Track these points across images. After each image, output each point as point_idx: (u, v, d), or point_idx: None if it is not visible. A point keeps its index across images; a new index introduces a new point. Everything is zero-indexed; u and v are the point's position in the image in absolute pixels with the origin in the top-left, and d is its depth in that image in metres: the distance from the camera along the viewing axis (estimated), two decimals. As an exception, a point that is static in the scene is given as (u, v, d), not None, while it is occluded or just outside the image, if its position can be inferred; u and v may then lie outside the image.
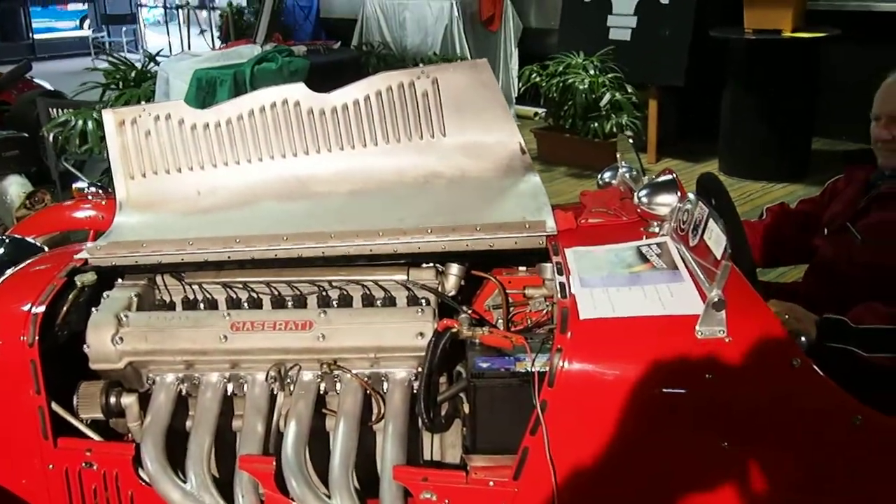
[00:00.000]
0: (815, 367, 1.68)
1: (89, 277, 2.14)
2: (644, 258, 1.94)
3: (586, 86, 6.65)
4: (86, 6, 20.14)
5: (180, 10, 14.30)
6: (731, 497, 1.70)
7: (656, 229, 2.08)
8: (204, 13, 14.10)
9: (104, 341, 1.98)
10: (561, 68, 6.94)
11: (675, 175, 2.17)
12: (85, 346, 1.99)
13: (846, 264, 2.38)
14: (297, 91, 2.34)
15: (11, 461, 2.02)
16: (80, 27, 20.76)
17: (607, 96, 6.61)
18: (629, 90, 6.74)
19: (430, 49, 8.64)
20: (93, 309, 2.05)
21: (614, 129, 6.59)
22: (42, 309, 2.01)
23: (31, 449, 1.99)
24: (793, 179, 6.23)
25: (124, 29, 17.04)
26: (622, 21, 7.14)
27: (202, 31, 13.49)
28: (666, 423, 1.69)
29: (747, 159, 6.50)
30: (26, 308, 2.02)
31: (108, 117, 2.38)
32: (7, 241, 2.62)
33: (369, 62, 7.79)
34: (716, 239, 1.76)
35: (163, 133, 2.35)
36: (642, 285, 1.83)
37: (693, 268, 1.84)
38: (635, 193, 2.16)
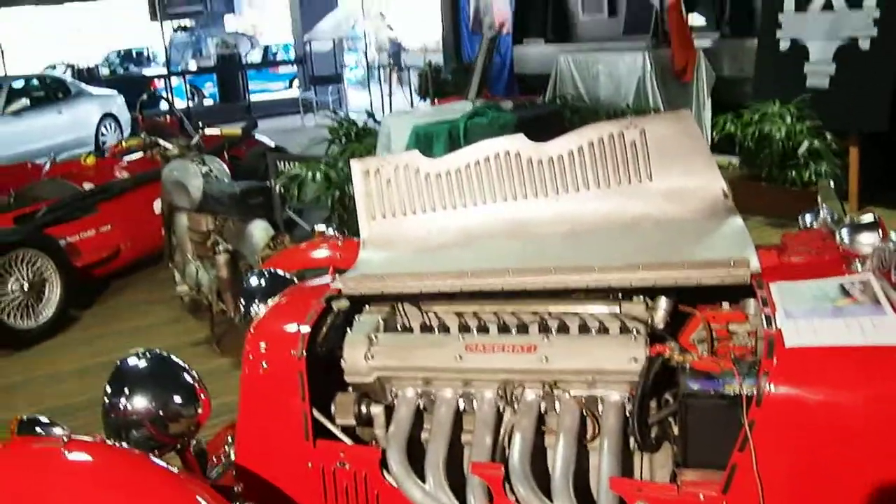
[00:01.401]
0: None
1: (344, 304, 2.49)
2: (847, 293, 2.07)
3: (783, 134, 6.64)
4: (295, 68, 21.63)
5: (381, 70, 15.17)
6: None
7: (859, 267, 2.20)
8: (394, 74, 14.90)
9: (358, 357, 2.31)
10: (756, 117, 6.97)
11: (876, 215, 2.28)
12: (342, 360, 2.33)
13: None
14: (518, 142, 2.62)
15: (278, 459, 2.37)
16: (290, 87, 22.29)
17: (805, 144, 6.58)
18: (828, 137, 6.67)
19: (623, 101, 8.83)
20: (348, 329, 2.39)
21: (813, 178, 6.54)
22: (308, 329, 2.37)
23: (294, 449, 2.33)
24: None
25: (329, 88, 18.21)
26: (820, 68, 7.08)
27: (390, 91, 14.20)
28: (869, 448, 1.81)
29: (958, 207, 6.29)
30: (294, 328, 2.38)
31: (356, 167, 2.74)
32: (266, 274, 3.04)
33: (565, 115, 8.06)
34: (919, 274, 1.88)
35: (401, 180, 2.69)
36: (845, 317, 1.96)
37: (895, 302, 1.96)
38: (837, 233, 2.29)
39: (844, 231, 2.27)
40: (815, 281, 2.15)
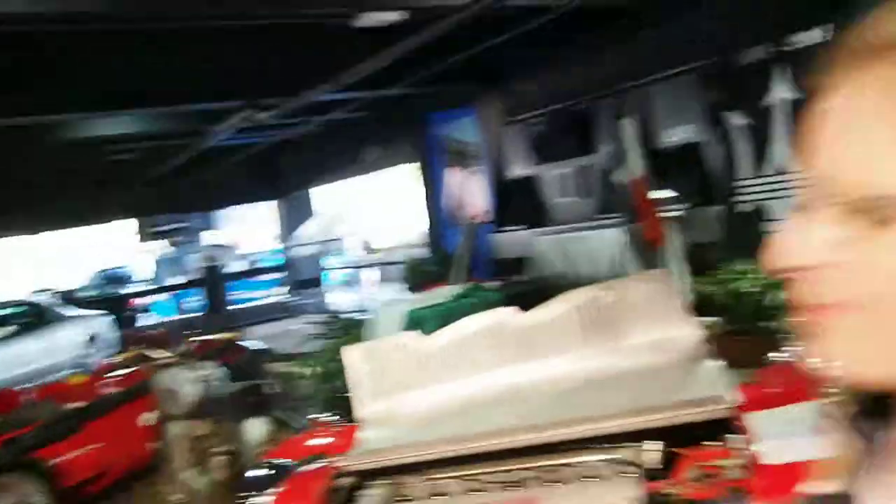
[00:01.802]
0: None
1: (347, 481, 2.59)
2: (822, 414, 2.21)
3: (758, 289, 6.90)
4: (279, 276, 22.06)
5: (363, 270, 15.58)
6: None
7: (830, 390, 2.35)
8: (376, 271, 15.29)
9: None
10: (730, 276, 7.24)
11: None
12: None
13: None
14: (504, 313, 2.82)
15: None
16: (269, 294, 22.60)
17: (781, 295, 6.82)
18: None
19: (601, 274, 9.10)
20: None
21: (785, 327, 6.75)
22: (318, 505, 2.47)
23: None
24: None
25: (311, 291, 18.58)
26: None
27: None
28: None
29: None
30: (308, 507, 2.48)
31: (350, 352, 2.92)
32: (268, 464, 3.14)
33: (548, 291, 8.33)
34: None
35: (395, 360, 2.86)
36: (820, 434, 2.10)
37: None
38: (803, 361, 2.45)
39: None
40: (790, 406, 2.30)
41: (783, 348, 2.85)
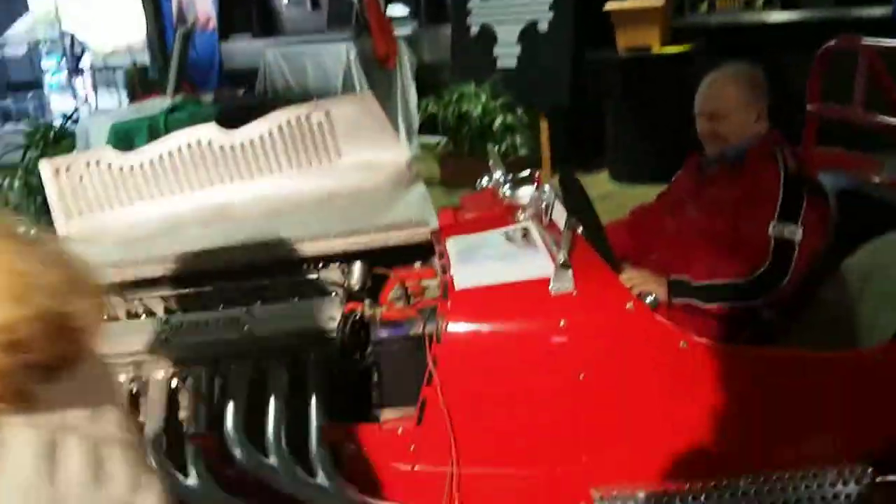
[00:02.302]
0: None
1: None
2: (510, 239, 2.37)
3: (479, 111, 7.14)
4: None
5: (84, 73, 14.45)
6: (592, 419, 2.13)
7: (521, 216, 2.51)
8: (96, 76, 14.27)
9: None
10: (455, 97, 7.42)
11: (533, 171, 2.61)
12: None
13: (687, 234, 2.84)
14: (208, 130, 2.71)
15: None
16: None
17: (499, 119, 7.11)
18: (519, 112, 7.25)
19: (332, 91, 9.03)
20: None
21: (509, 150, 7.09)
22: None
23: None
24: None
25: (29, 94, 17.06)
26: (507, 50, 7.66)
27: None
28: (530, 363, 2.11)
29: (632, 167, 7.05)
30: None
31: (45, 166, 2.72)
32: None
33: (277, 107, 8.18)
34: (559, 214, 2.20)
35: (94, 176, 2.69)
36: (507, 260, 2.26)
37: (547, 241, 2.27)
38: (500, 189, 2.59)
39: (506, 187, 2.57)
40: (483, 233, 2.44)
41: (490, 173, 2.97)
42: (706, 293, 2.58)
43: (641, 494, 2.09)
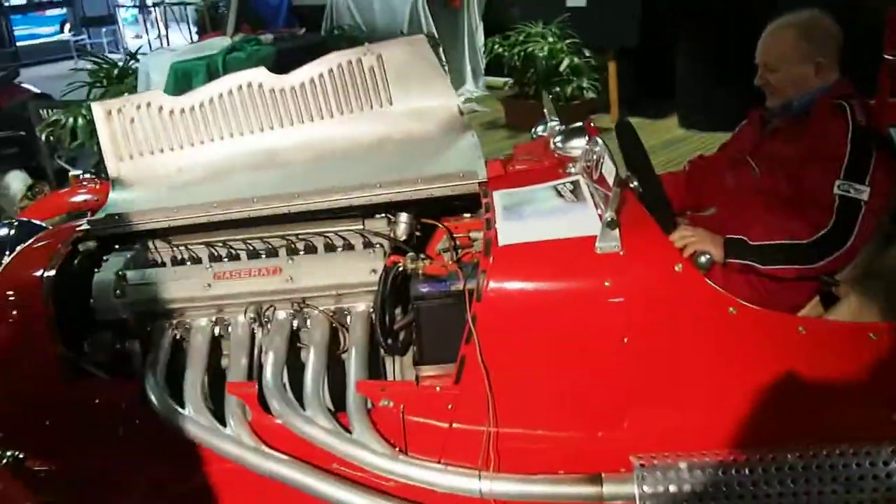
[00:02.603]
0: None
1: (91, 244, 2.49)
2: (559, 194, 2.29)
3: (546, 52, 6.97)
4: (64, 10, 20.30)
5: (156, 8, 14.53)
6: (635, 383, 2.06)
7: (572, 170, 2.43)
8: (178, 10, 14.31)
9: (108, 296, 2.34)
10: (522, 38, 7.26)
11: (586, 122, 2.52)
12: (91, 300, 2.35)
13: (747, 192, 2.73)
14: (259, 74, 2.67)
15: (37, 404, 2.37)
16: (61, 31, 20.92)
17: (566, 61, 6.94)
18: (587, 54, 7.07)
19: (398, 29, 8.93)
20: (96, 270, 2.41)
21: (575, 93, 6.93)
22: (53, 273, 2.36)
23: (51, 391, 2.34)
24: (747, 127, 6.56)
25: (104, 30, 17.24)
26: (578, -12, 7.46)
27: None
28: (574, 324, 2.04)
29: (702, 112, 6.85)
30: (39, 273, 2.37)
31: (97, 109, 2.72)
32: (17, 224, 2.97)
33: (339, 46, 8.13)
34: (608, 171, 2.11)
35: (145, 119, 2.68)
36: (554, 216, 2.18)
37: (596, 198, 2.19)
38: (552, 140, 2.51)
39: (558, 139, 2.49)
40: (532, 186, 2.36)
41: (545, 122, 2.88)
42: (764, 253, 2.47)
43: (683, 465, 2.02)
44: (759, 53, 2.75)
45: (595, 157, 2.28)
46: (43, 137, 5.96)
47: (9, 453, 2.21)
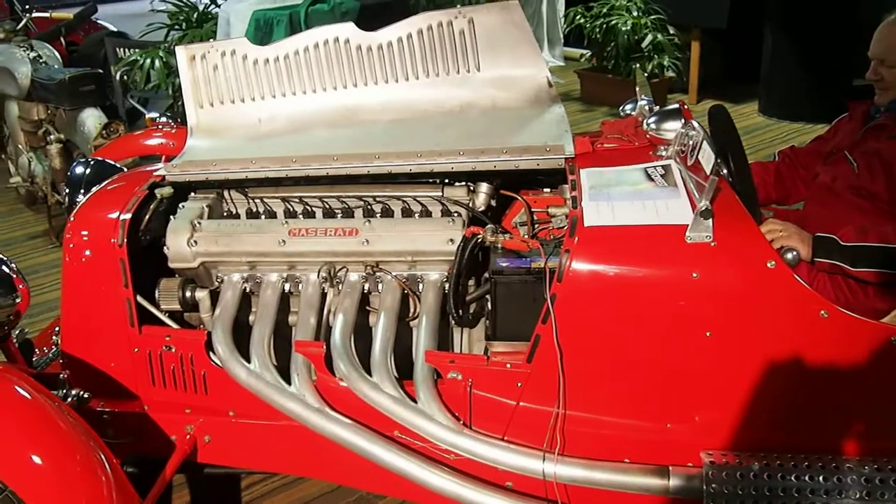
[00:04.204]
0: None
1: (167, 190, 2.47)
2: (649, 177, 2.21)
3: (629, 27, 6.81)
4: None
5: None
6: (712, 379, 1.99)
7: (663, 153, 2.34)
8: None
9: (181, 244, 2.32)
10: (605, 10, 7.10)
11: (681, 104, 2.42)
12: (165, 247, 2.34)
13: (841, 188, 2.61)
14: (347, 30, 2.61)
15: (104, 346, 2.38)
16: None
17: (649, 37, 6.77)
18: (671, 31, 6.88)
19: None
20: (171, 217, 2.39)
21: (656, 70, 6.76)
22: (128, 216, 2.35)
23: (120, 335, 2.34)
24: (829, 120, 6.32)
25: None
26: (667, -37, 7.25)
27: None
28: (656, 314, 1.97)
29: (786, 101, 6.64)
30: (115, 215, 2.36)
31: (181, 53, 2.69)
32: (93, 162, 2.97)
33: (419, 4, 8.02)
34: (706, 158, 2.03)
35: (228, 67, 2.65)
36: (643, 200, 2.10)
37: (689, 184, 2.10)
38: (645, 121, 2.42)
39: (651, 119, 2.40)
40: (621, 167, 2.28)
41: (636, 100, 2.78)
42: (854, 255, 2.36)
43: (755, 465, 1.95)
44: (876, 47, 2.62)
45: (690, 142, 2.19)
46: (118, 77, 5.98)
47: (73, 392, 2.22)
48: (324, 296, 2.35)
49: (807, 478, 1.93)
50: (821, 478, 1.93)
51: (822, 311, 1.93)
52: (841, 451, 2.01)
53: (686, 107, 2.46)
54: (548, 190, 2.49)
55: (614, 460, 2.07)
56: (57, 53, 5.46)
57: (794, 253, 2.36)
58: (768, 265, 1.93)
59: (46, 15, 5.84)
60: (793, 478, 1.94)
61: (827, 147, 2.81)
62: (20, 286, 2.36)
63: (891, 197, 2.47)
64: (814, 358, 1.97)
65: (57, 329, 2.72)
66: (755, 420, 2.01)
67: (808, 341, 1.96)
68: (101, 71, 5.17)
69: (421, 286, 2.30)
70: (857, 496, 1.92)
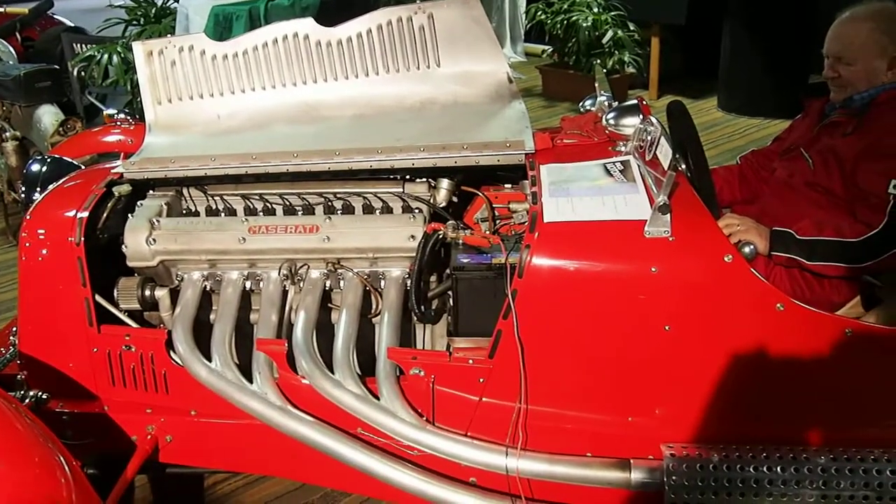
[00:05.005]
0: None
1: (125, 188, 2.44)
2: (608, 173, 2.23)
3: (589, 23, 6.85)
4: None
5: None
6: (672, 372, 2.01)
7: (622, 148, 2.36)
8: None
9: (140, 242, 2.30)
10: (566, 6, 7.13)
11: (639, 99, 2.44)
12: (123, 246, 2.32)
13: (798, 184, 2.65)
14: (306, 25, 2.60)
15: (62, 346, 2.35)
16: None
17: (610, 34, 6.82)
18: (631, 28, 6.93)
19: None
20: (129, 215, 2.37)
21: (616, 66, 6.81)
22: (86, 214, 2.32)
23: (78, 335, 2.31)
24: (788, 116, 6.41)
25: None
26: (625, -41, 7.30)
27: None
28: (615, 309, 1.99)
29: (745, 96, 6.71)
30: (72, 214, 2.33)
31: (138, 48, 2.66)
32: (49, 160, 2.93)
33: (381, 2, 8.03)
34: (664, 153, 2.05)
35: (186, 63, 2.62)
36: (603, 195, 2.12)
37: (647, 180, 2.12)
38: (604, 116, 2.43)
39: (610, 115, 2.42)
40: (580, 163, 2.29)
41: (595, 96, 2.80)
42: (810, 249, 2.40)
43: (715, 457, 1.98)
44: (830, 43, 2.65)
45: (648, 137, 2.21)
46: (75, 72, 5.91)
47: (31, 393, 2.19)
48: (285, 293, 2.33)
49: (765, 469, 1.96)
50: (779, 468, 1.96)
51: (779, 305, 1.96)
52: (799, 442, 2.04)
53: (646, 102, 2.48)
54: (509, 186, 2.50)
55: (576, 454, 2.09)
56: (12, 49, 5.39)
57: (752, 247, 2.39)
58: (725, 259, 1.96)
59: (1, 10, 5.77)
60: (752, 469, 1.97)
61: (784, 145, 2.85)
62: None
63: (846, 193, 2.51)
64: (771, 350, 2.00)
65: (14, 329, 2.67)
66: (715, 412, 2.04)
67: (765, 334, 1.99)
68: (57, 67, 5.10)
69: (383, 283, 2.30)
70: (815, 486, 1.95)
